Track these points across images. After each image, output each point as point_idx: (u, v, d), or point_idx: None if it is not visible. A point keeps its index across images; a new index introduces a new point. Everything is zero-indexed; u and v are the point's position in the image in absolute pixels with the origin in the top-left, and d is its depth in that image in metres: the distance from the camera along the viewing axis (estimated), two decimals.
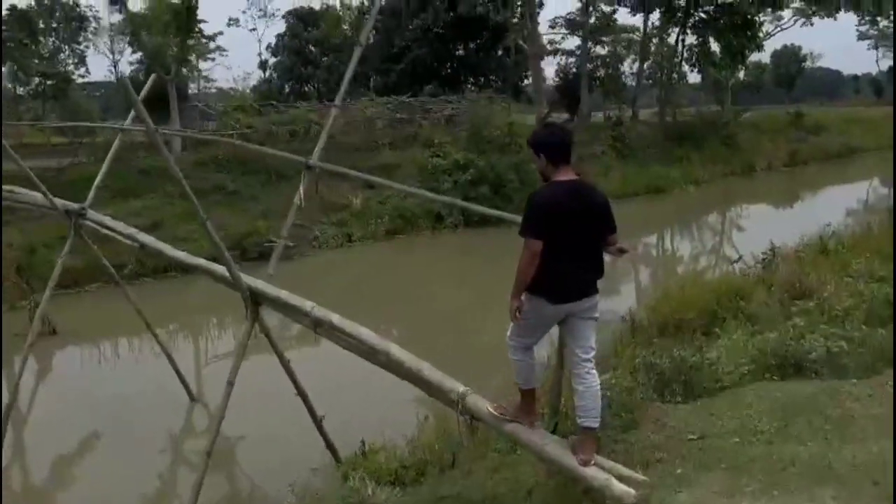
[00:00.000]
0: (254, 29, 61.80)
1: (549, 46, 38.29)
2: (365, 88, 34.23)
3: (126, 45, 40.78)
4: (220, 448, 7.28)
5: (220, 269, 5.70)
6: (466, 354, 10.16)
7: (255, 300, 5.56)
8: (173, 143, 22.38)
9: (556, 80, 40.17)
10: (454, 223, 21.81)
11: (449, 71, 37.28)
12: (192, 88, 47.25)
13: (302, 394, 6.25)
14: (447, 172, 22.85)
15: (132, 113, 8.90)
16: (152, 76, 9.15)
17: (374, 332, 4.78)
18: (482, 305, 13.30)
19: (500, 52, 37.54)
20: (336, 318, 4.87)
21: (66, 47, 41.96)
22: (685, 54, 36.85)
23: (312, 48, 41.59)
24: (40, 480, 7.97)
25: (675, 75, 37.68)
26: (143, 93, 8.86)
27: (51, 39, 39.41)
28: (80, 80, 42.01)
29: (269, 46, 45.17)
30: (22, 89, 46.54)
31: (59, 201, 8.17)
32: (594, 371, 4.07)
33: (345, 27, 37.29)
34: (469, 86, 37.61)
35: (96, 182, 8.42)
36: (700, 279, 11.83)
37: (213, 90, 52.16)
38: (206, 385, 9.82)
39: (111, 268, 8.90)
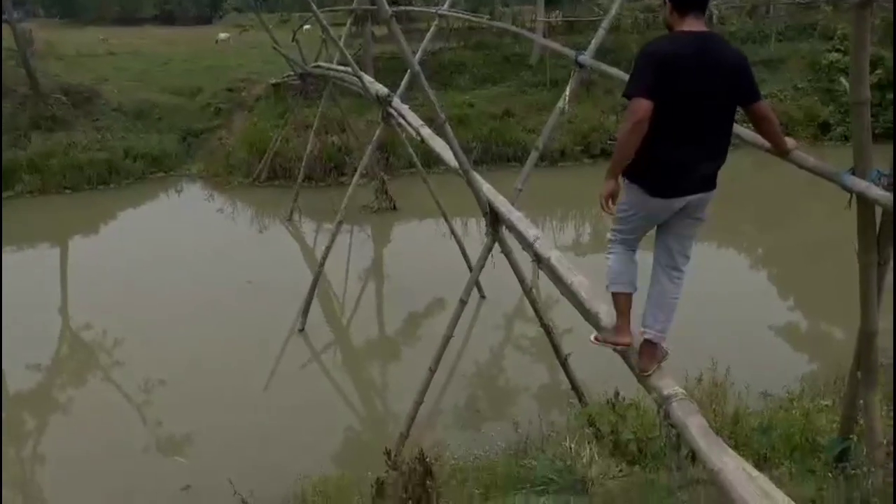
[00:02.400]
0: None
1: None
2: None
3: None
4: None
5: (479, 179, 5.13)
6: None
7: (494, 216, 4.96)
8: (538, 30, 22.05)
9: None
10: (844, 134, 18.00)
11: None
12: None
13: (546, 328, 5.57)
14: (846, 71, 18.67)
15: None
16: None
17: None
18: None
19: None
20: (555, 256, 4.03)
21: None
22: None
23: None
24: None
25: None
26: None
27: None
28: None
29: None
30: None
31: (374, 87, 8.37)
32: (678, 280, 3.29)
33: None
34: None
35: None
36: None
37: None
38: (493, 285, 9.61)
39: (414, 156, 9.03)
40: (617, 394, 5.56)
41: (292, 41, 14.71)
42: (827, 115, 18.42)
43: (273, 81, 19.03)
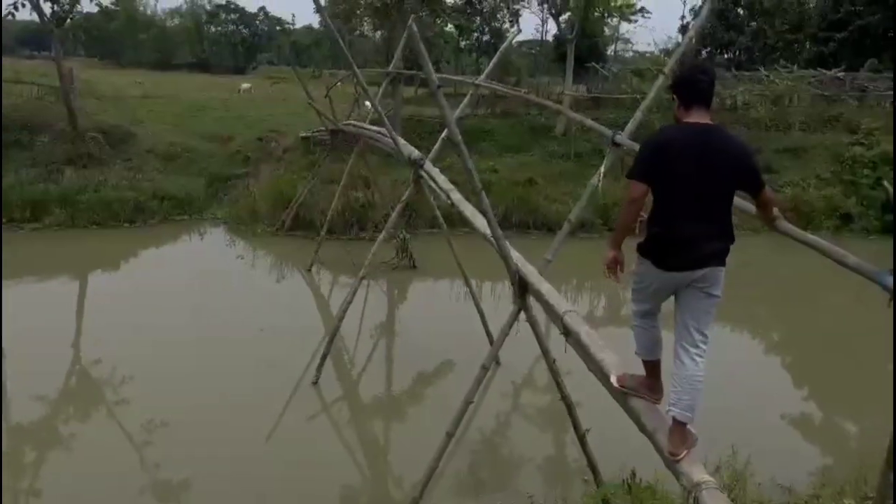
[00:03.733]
0: None
1: None
2: (790, 58, 30.13)
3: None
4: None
5: (508, 247, 5.18)
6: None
7: (523, 285, 4.98)
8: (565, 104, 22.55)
9: None
10: (866, 227, 18.06)
11: None
12: (611, 50, 47.68)
13: (566, 401, 5.52)
14: (869, 165, 18.90)
15: (489, 68, 8.84)
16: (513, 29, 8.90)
17: None
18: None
19: None
20: (585, 332, 4.02)
21: (504, 5, 45.44)
22: None
23: (740, 11, 38.04)
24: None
25: None
26: (504, 47, 8.82)
27: None
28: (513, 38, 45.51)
29: (692, 9, 42.74)
30: (464, 43, 52.61)
31: (406, 149, 8.51)
32: (699, 359, 3.35)
33: None
34: None
35: (443, 136, 8.58)
36: None
37: (630, 53, 51.94)
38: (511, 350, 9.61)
39: (440, 217, 9.14)
40: (633, 474, 5.47)
41: (325, 97, 15.11)
42: (849, 207, 18.48)
43: (303, 135, 19.47)
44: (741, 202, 3.65)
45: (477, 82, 8.54)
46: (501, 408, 8.24)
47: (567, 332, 4.21)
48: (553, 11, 25.74)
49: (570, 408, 5.51)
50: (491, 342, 9.19)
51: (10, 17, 17.45)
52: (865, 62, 27.91)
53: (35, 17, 17.25)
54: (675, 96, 3.39)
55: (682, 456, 3.27)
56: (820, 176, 19.57)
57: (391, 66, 12.01)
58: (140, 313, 10.60)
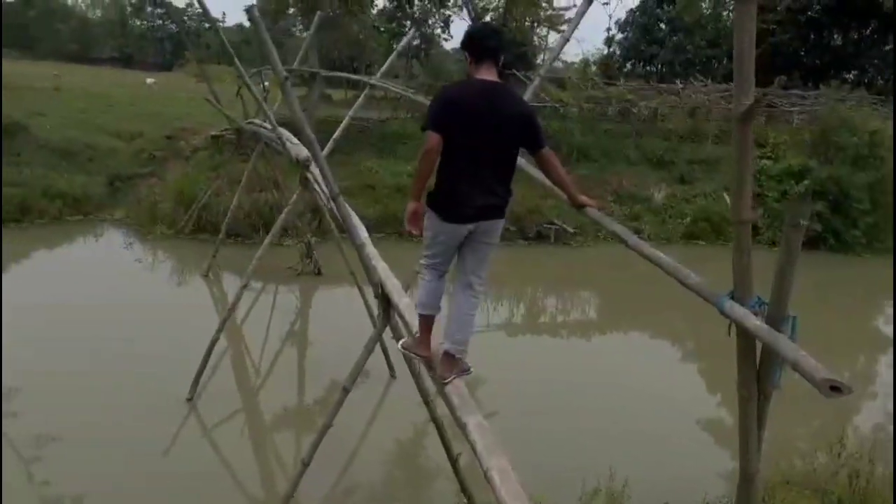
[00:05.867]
0: (607, 2, 60.17)
1: None
2: (708, 73, 30.98)
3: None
4: None
5: (373, 255, 4.80)
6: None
7: (387, 300, 4.62)
8: None
9: None
10: (772, 239, 18.52)
11: (817, 62, 31.93)
12: (539, 60, 48.09)
13: (437, 423, 5.17)
14: (776, 179, 19.44)
15: (384, 67, 8.47)
16: (411, 31, 8.60)
17: None
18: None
19: (887, 46, 31.00)
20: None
21: (435, 10, 45.27)
22: None
23: (662, 26, 38.94)
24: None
25: None
26: (400, 46, 8.49)
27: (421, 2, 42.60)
28: (444, 44, 45.42)
29: (618, 22, 43.56)
30: (396, 46, 52.22)
31: (295, 149, 8.10)
32: (473, 299, 3.63)
33: (703, 4, 34.08)
34: (836, 81, 31.96)
35: (335, 136, 8.21)
36: None
37: (560, 63, 52.59)
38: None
39: (331, 221, 8.75)
40: None
41: (236, 96, 14.47)
42: (756, 219, 18.95)
43: (213, 134, 18.67)
44: (548, 183, 3.80)
45: (371, 81, 8.17)
46: (398, 424, 7.86)
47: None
48: (472, 16, 25.65)
49: (439, 429, 5.17)
50: (387, 355, 8.81)
51: None
52: (775, 78, 28.84)
53: None
54: (466, 53, 3.49)
55: (450, 378, 3.60)
56: (728, 188, 19.98)
57: (295, 63, 11.53)
58: (28, 320, 9.74)
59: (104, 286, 11.98)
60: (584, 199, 3.70)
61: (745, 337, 2.55)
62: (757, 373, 2.61)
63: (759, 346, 2.53)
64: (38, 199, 15.12)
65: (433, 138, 3.32)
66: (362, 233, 5.22)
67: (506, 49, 3.60)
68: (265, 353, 9.93)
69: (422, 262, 3.74)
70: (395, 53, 8.61)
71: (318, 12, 14.15)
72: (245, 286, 7.98)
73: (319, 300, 12.77)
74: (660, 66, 38.65)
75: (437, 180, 3.46)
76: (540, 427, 7.69)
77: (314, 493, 6.00)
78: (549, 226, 17.24)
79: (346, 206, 4.53)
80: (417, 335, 3.89)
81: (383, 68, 8.46)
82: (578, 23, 4.85)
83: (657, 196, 19.13)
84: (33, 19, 60.11)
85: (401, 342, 4.05)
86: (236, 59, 6.86)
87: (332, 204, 6.57)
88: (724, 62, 34.01)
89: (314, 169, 7.52)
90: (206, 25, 71.82)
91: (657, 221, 18.73)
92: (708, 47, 34.67)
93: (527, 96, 5.50)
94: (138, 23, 68.68)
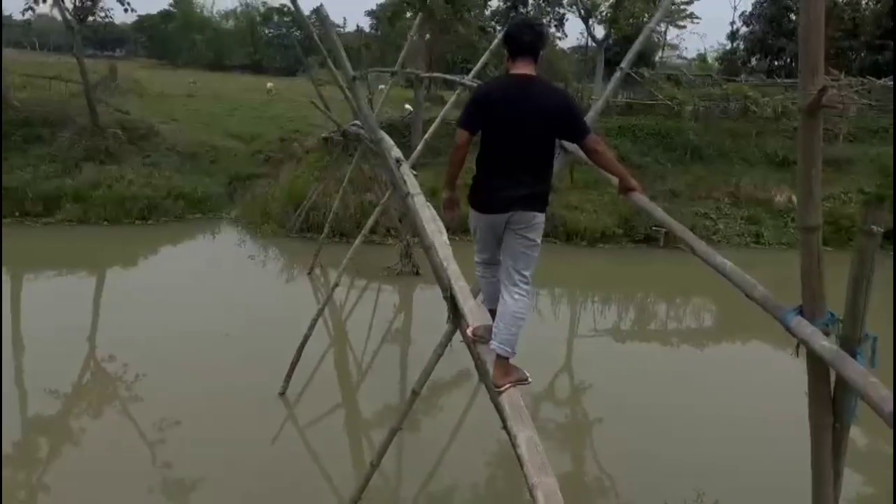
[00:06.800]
0: None
1: None
2: (843, 66, 28.66)
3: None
4: None
5: (444, 258, 4.72)
6: None
7: (454, 304, 4.52)
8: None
9: None
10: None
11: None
12: (658, 56, 46.42)
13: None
14: None
15: (476, 67, 8.37)
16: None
17: None
18: None
19: None
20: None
21: (549, 9, 44.68)
22: None
23: (792, 16, 36.38)
24: None
25: None
26: (493, 45, 8.37)
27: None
28: (558, 43, 44.78)
29: (742, 14, 41.20)
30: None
31: (393, 150, 8.15)
32: (518, 297, 3.54)
33: None
34: None
35: (426, 136, 8.22)
36: None
37: (678, 59, 50.57)
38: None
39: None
40: None
41: (345, 98, 14.83)
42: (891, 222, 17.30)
43: (324, 136, 19.26)
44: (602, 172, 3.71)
45: (463, 81, 8.10)
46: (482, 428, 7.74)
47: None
48: (581, 14, 25.04)
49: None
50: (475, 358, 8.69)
51: (30, 12, 17.76)
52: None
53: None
54: (505, 49, 3.51)
55: (505, 387, 3.47)
56: (863, 189, 18.42)
57: (397, 65, 11.66)
58: (154, 311, 10.49)
59: (219, 282, 12.69)
60: (633, 183, 3.65)
61: (814, 358, 2.24)
62: (832, 398, 2.30)
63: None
64: (162, 199, 16.19)
65: (462, 136, 3.45)
66: (435, 235, 5.13)
67: (544, 44, 3.55)
68: (366, 351, 10.11)
69: (475, 258, 3.85)
70: (487, 53, 8.47)
71: (420, 14, 14.29)
72: (336, 285, 8.12)
73: (418, 299, 12.85)
74: (788, 59, 36.16)
75: (475, 175, 3.57)
76: (636, 441, 7.36)
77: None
78: (657, 228, 16.52)
79: (421, 206, 4.46)
80: (489, 325, 3.87)
81: (476, 68, 8.36)
82: (667, 8, 4.54)
83: (779, 198, 17.90)
84: (173, 32, 64.60)
85: (470, 329, 3.99)
86: (329, 61, 6.97)
87: (409, 202, 6.56)
88: (863, 54, 31.38)
89: (405, 170, 7.54)
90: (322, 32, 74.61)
91: (778, 225, 17.54)
92: (844, 38, 32.06)
93: (609, 89, 5.27)
94: (266, 31, 72.15)
